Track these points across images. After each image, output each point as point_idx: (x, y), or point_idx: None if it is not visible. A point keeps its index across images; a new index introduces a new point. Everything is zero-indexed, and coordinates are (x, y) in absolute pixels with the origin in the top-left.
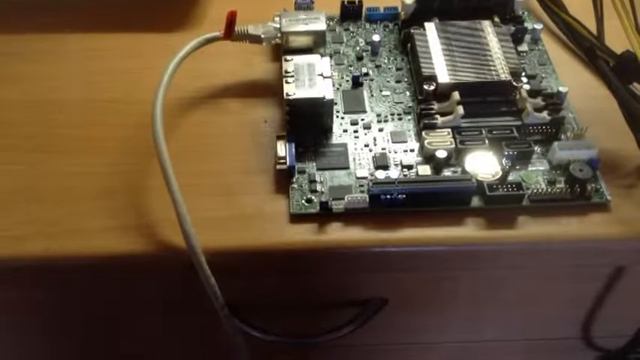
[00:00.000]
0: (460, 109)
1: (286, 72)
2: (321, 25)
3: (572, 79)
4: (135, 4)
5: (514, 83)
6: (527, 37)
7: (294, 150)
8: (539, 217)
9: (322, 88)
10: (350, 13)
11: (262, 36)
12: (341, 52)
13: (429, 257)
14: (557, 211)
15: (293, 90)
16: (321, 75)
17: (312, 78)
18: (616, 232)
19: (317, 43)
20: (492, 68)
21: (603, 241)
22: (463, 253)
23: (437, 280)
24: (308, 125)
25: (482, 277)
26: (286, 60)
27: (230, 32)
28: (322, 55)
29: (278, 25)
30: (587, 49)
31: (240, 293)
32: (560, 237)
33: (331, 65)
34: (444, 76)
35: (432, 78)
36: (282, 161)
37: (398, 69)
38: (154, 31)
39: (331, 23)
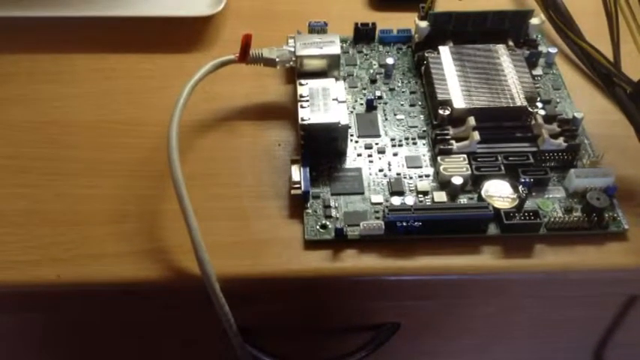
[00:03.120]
0: (476, 135)
1: (301, 96)
2: (335, 49)
3: (587, 103)
4: (147, 24)
5: (529, 109)
6: (542, 60)
7: (308, 175)
8: (556, 246)
9: (337, 113)
10: (363, 36)
11: (277, 59)
12: (354, 74)
13: (445, 286)
14: (574, 239)
15: (308, 115)
16: (336, 99)
17: (326, 102)
18: (633, 262)
19: (331, 67)
20: (507, 93)
21: (620, 270)
22: (479, 282)
23: (451, 307)
24: (322, 149)
25: (496, 303)
26: (301, 84)
27: (245, 56)
28: (336, 79)
29: (292, 49)
30: (604, 76)
31: (252, 316)
32: (577, 267)
33: (345, 88)
34: (459, 101)
35: (447, 103)
36: (296, 186)
37: (412, 92)
38: (166, 51)
39: (344, 45)
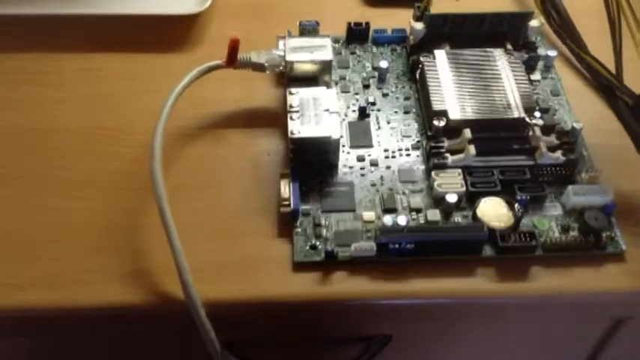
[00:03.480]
0: (472, 149)
1: (290, 107)
2: (327, 55)
3: (586, 110)
4: (134, 22)
5: (527, 120)
6: (541, 63)
7: (298, 191)
8: (553, 268)
9: (328, 126)
10: (356, 36)
11: (266, 64)
12: (347, 78)
13: (438, 309)
14: (570, 260)
15: (298, 128)
16: (327, 110)
17: (317, 114)
18: (630, 284)
19: (323, 72)
20: (505, 103)
21: (618, 293)
22: (473, 305)
23: (444, 326)
24: (313, 163)
25: (490, 323)
26: (291, 93)
27: (232, 60)
28: (328, 85)
29: (282, 53)
30: (605, 87)
31: (239, 335)
32: (574, 290)
33: (337, 94)
34: (455, 112)
35: (443, 113)
36: (285, 203)
37: (406, 98)
38: (154, 51)
39: (337, 46)
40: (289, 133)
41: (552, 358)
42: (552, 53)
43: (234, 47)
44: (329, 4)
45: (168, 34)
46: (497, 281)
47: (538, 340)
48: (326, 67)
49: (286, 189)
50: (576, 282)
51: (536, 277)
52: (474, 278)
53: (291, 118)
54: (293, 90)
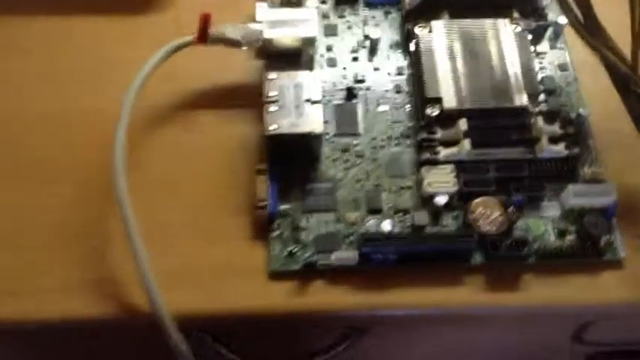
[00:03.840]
0: (467, 144)
1: (267, 96)
2: (311, 30)
3: (596, 88)
4: None
5: (530, 109)
6: (550, 30)
7: (276, 192)
8: (546, 277)
9: (310, 120)
10: None
11: (242, 40)
12: (334, 48)
13: (423, 320)
14: (565, 268)
15: (275, 122)
16: (309, 100)
17: (298, 105)
18: (627, 295)
19: (306, 47)
20: (507, 88)
21: (613, 305)
22: (460, 316)
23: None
24: (293, 158)
25: (477, 329)
26: (268, 79)
27: (204, 37)
28: (312, 62)
29: (259, 28)
30: (619, 78)
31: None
32: (567, 301)
33: (322, 68)
34: (450, 100)
35: (437, 101)
36: (262, 204)
37: (398, 73)
38: (127, 11)
39: (325, 7)
40: (266, 128)
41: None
42: (562, 21)
43: (205, 23)
44: None
45: None
46: (486, 291)
47: (518, 345)
48: (310, 43)
49: (262, 188)
50: (569, 292)
51: (528, 287)
52: (461, 287)
53: (268, 111)
54: (270, 75)
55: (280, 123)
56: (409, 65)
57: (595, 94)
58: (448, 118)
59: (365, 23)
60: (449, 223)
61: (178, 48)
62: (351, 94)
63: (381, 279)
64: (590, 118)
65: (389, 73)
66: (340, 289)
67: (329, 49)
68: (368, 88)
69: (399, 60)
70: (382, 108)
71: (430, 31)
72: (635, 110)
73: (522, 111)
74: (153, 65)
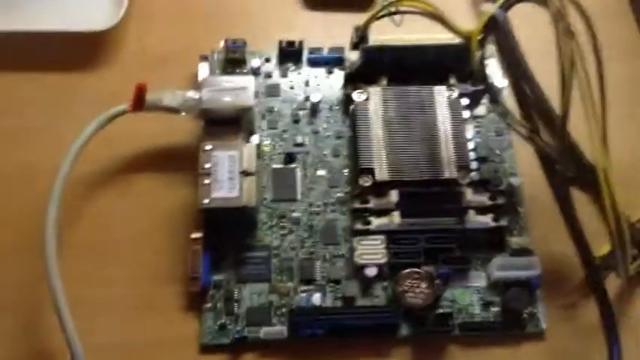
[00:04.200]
0: (396, 217)
1: (202, 168)
2: (247, 99)
3: (529, 151)
4: (39, 40)
5: (459, 181)
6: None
7: (208, 264)
8: (470, 349)
9: (244, 192)
10: (289, 55)
11: (179, 108)
12: (275, 109)
13: None
14: (489, 340)
15: (208, 196)
16: (244, 172)
17: (232, 177)
18: None
19: (244, 113)
20: (439, 159)
21: None
22: None
23: None
24: (228, 227)
25: None
26: (203, 150)
27: (140, 105)
28: (247, 140)
29: (197, 96)
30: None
31: None
32: None
33: (263, 130)
34: (382, 172)
35: (370, 171)
36: (195, 275)
37: (338, 137)
38: (63, 70)
39: (268, 65)
40: (199, 201)
41: None
42: (501, 85)
43: (140, 92)
44: (262, 7)
45: (79, 52)
46: None
47: None
48: (247, 111)
49: (196, 260)
50: None
51: (453, 358)
52: (389, 359)
53: (202, 183)
54: (206, 146)
55: (214, 196)
56: (349, 127)
57: (529, 159)
58: (381, 186)
59: (307, 84)
60: (379, 293)
61: (112, 118)
62: (290, 158)
63: (310, 352)
64: (522, 184)
65: (328, 136)
66: None
67: (270, 110)
68: (307, 152)
69: (339, 123)
70: (320, 172)
71: (367, 98)
72: (560, 192)
73: (452, 184)
74: (86, 137)
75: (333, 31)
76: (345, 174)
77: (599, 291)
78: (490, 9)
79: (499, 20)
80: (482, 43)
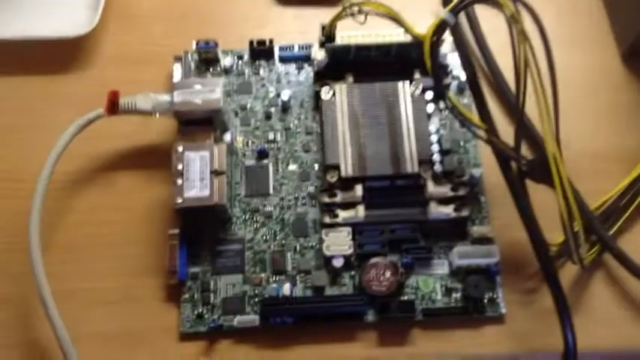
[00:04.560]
0: (361, 210)
1: (175, 169)
2: (216, 102)
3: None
4: (18, 46)
5: (422, 174)
6: (454, 84)
7: (185, 259)
8: (432, 331)
9: (214, 191)
10: (260, 53)
11: (152, 110)
12: (248, 107)
13: None
14: (451, 324)
15: (181, 196)
16: (214, 172)
17: (203, 177)
18: (508, 347)
19: (215, 114)
20: (402, 154)
21: (494, 357)
22: None
23: None
24: (203, 223)
25: None
26: (176, 151)
27: (114, 110)
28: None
29: (169, 98)
30: (499, 151)
31: None
32: (451, 354)
33: (235, 127)
34: (347, 168)
35: (336, 167)
36: (172, 268)
37: (308, 132)
38: (43, 74)
39: (240, 63)
40: (173, 200)
41: None
42: (463, 77)
43: (113, 99)
44: (235, 4)
45: (57, 56)
46: (378, 345)
47: None
48: (217, 112)
49: (173, 255)
50: (454, 346)
51: (416, 342)
52: (355, 343)
53: (175, 183)
54: (178, 147)
55: (186, 195)
56: (319, 123)
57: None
58: (348, 181)
59: (278, 80)
60: (347, 282)
61: (89, 122)
62: (262, 154)
63: (282, 338)
64: (484, 173)
65: (299, 132)
66: (244, 349)
67: (242, 107)
68: (279, 148)
69: (309, 119)
70: (292, 167)
71: (334, 95)
72: (515, 186)
73: (415, 177)
74: (65, 141)
75: (305, 26)
76: (316, 168)
77: (551, 280)
78: (441, 13)
79: (449, 23)
80: (436, 44)
